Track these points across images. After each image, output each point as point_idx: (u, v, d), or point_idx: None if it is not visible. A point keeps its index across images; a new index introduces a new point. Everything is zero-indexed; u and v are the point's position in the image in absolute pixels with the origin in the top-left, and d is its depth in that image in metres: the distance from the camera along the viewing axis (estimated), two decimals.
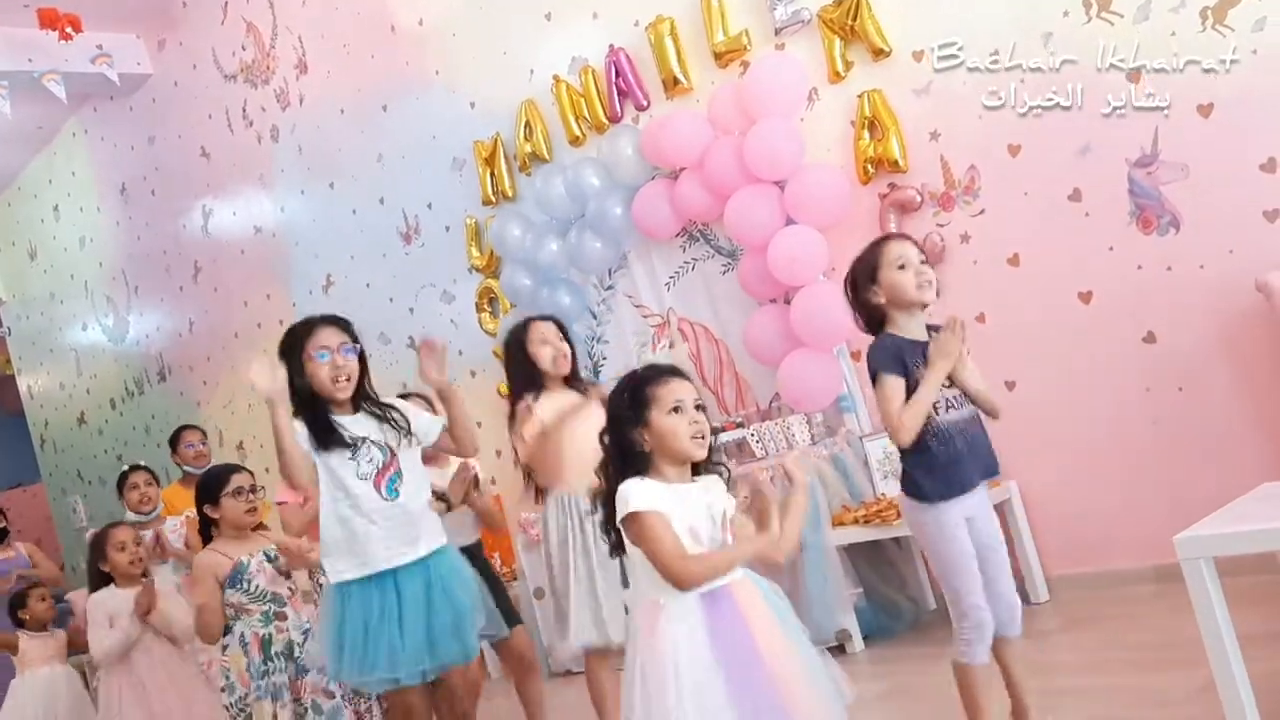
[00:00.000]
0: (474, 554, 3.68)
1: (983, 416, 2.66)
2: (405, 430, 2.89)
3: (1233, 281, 3.71)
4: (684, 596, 2.10)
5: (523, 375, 3.41)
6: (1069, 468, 4.17)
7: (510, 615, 3.84)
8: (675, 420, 2.16)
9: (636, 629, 2.19)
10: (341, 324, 2.89)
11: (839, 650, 4.19)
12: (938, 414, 2.53)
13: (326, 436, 2.79)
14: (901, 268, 2.57)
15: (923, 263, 2.59)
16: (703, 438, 2.18)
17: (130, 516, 4.82)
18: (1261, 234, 3.66)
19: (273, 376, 2.73)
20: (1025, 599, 4.15)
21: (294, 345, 2.84)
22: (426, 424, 2.98)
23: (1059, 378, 4.16)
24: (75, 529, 10.76)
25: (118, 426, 10.06)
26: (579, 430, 3.17)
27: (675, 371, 2.26)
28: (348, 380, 2.83)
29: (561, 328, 3.48)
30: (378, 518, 2.80)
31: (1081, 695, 3.11)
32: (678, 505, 2.14)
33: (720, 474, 2.27)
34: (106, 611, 4.00)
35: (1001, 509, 4.17)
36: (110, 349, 9.96)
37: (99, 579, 4.06)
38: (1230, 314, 3.75)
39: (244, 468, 3.48)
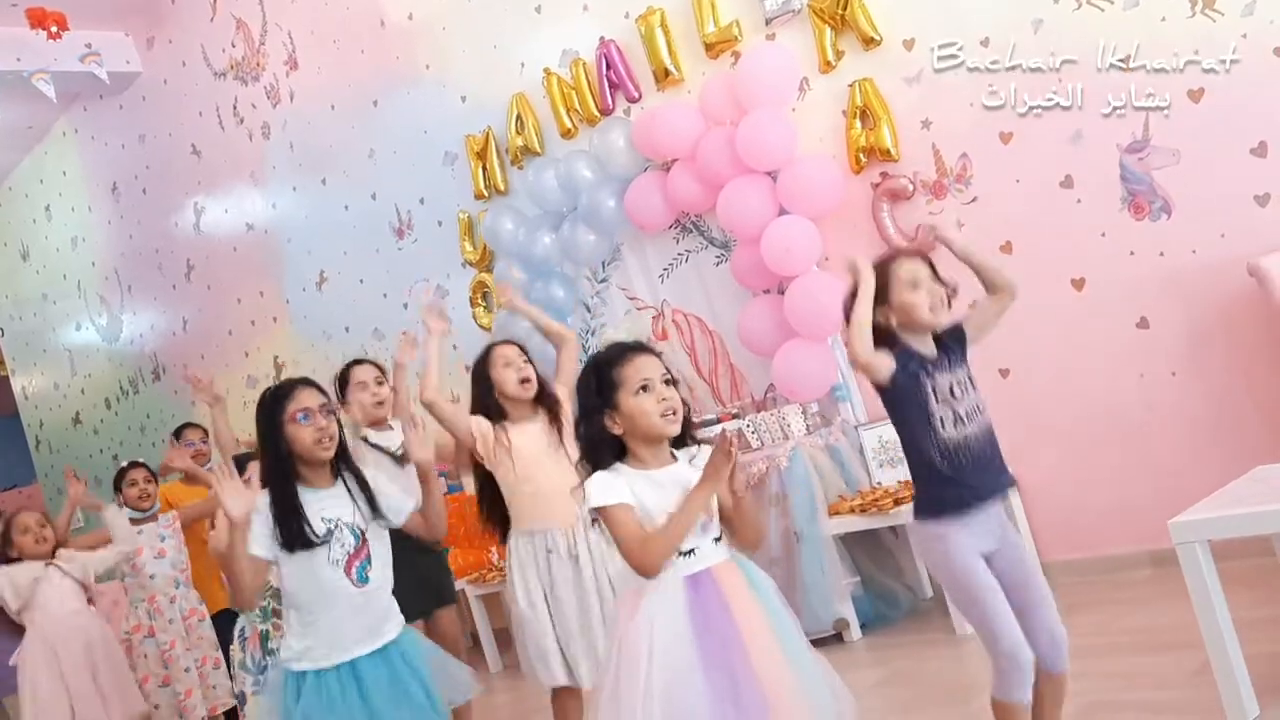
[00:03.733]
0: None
1: (993, 429, 2.45)
2: (376, 514, 2.77)
3: (1225, 266, 3.72)
4: (666, 580, 2.08)
5: (487, 402, 3.33)
6: (1063, 454, 4.18)
7: (444, 593, 3.81)
8: (643, 400, 2.11)
9: (617, 613, 2.17)
10: (317, 386, 2.82)
11: (837, 639, 4.20)
12: (943, 429, 2.34)
13: (295, 538, 2.64)
14: (915, 287, 2.36)
15: (934, 280, 2.38)
16: (674, 413, 2.13)
17: (128, 513, 4.83)
18: (1253, 218, 3.67)
19: (244, 498, 2.60)
20: None
21: (273, 410, 2.73)
22: (397, 504, 2.85)
23: (1053, 365, 4.17)
24: (72, 530, 10.73)
25: (113, 426, 10.05)
26: (548, 466, 3.15)
27: (639, 348, 2.20)
28: (331, 440, 2.73)
29: (524, 351, 3.40)
30: (347, 605, 2.68)
31: (1078, 680, 3.11)
32: (652, 491, 2.11)
33: (699, 443, 2.23)
34: (8, 580, 4.25)
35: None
36: (104, 348, 9.95)
37: (8, 561, 4.32)
38: (1223, 298, 3.76)
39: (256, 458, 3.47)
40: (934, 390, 2.36)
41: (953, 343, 2.46)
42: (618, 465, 2.14)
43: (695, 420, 2.29)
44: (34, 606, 4.30)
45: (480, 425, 3.27)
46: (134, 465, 5.05)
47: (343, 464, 2.76)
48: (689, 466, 2.17)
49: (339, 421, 2.81)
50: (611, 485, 2.11)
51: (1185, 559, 2.50)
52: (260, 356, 8.01)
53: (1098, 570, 4.12)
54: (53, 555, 4.34)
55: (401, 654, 2.75)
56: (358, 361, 3.94)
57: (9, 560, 4.31)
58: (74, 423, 10.67)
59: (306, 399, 2.73)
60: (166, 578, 4.70)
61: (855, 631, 4.22)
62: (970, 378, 2.45)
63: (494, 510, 3.33)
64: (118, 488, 4.97)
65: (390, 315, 6.80)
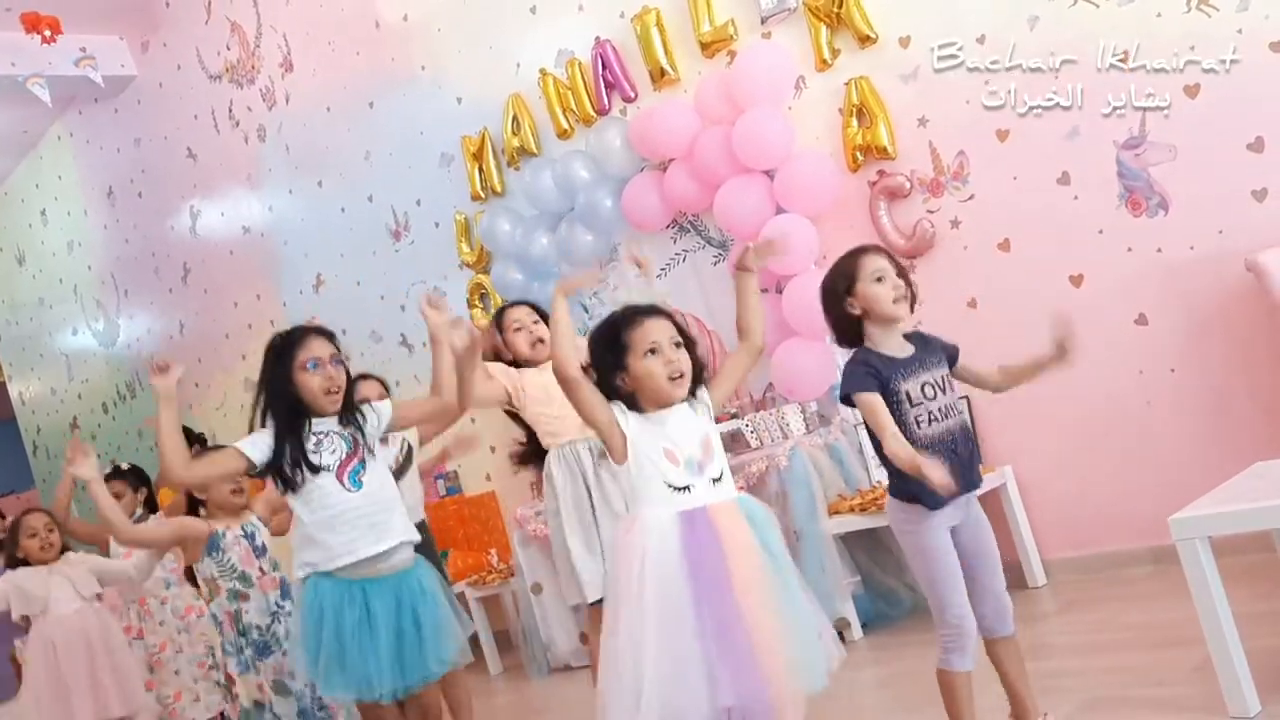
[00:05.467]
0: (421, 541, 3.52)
1: (969, 426, 2.56)
2: (361, 427, 2.85)
3: (1223, 262, 3.72)
4: (660, 514, 2.14)
5: (500, 360, 3.34)
6: (1063, 451, 4.18)
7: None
8: (651, 363, 2.18)
9: (615, 544, 2.23)
10: (329, 335, 2.86)
11: (838, 639, 4.19)
12: (919, 427, 2.44)
13: (294, 480, 2.74)
14: (879, 280, 2.47)
15: (898, 275, 2.50)
16: (681, 376, 2.20)
17: None
18: (1250, 214, 3.67)
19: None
20: (1022, 584, 4.18)
21: (283, 354, 2.79)
22: (381, 410, 2.94)
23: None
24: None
25: (110, 431, 10.03)
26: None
27: (652, 310, 2.26)
28: (338, 391, 2.79)
29: (537, 310, 3.41)
30: (342, 509, 2.75)
31: (1080, 677, 3.12)
32: (651, 428, 2.19)
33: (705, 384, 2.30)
34: (9, 587, 4.23)
35: (997, 494, 4.19)
36: (101, 353, 9.93)
37: (15, 563, 4.30)
38: (1221, 294, 3.76)
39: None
40: (907, 394, 2.45)
41: (939, 350, 2.56)
42: (625, 410, 2.23)
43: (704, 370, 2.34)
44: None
45: (506, 374, 3.25)
46: (110, 476, 4.86)
47: (344, 410, 2.84)
48: (693, 409, 2.25)
49: (348, 371, 2.85)
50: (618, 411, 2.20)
51: (1186, 555, 2.50)
52: (257, 360, 7.93)
53: (1098, 567, 4.12)
54: (59, 558, 4.33)
55: (413, 597, 2.80)
56: (362, 376, 3.76)
57: (16, 562, 4.30)
58: (71, 427, 10.65)
59: (317, 348, 2.78)
60: (156, 579, 4.63)
61: (856, 631, 4.22)
62: (946, 378, 2.53)
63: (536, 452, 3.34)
64: None
65: (388, 317, 6.79)
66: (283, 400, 2.77)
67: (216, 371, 8.45)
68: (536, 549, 5.05)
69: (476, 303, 6.16)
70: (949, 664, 2.51)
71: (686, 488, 2.17)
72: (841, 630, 4.21)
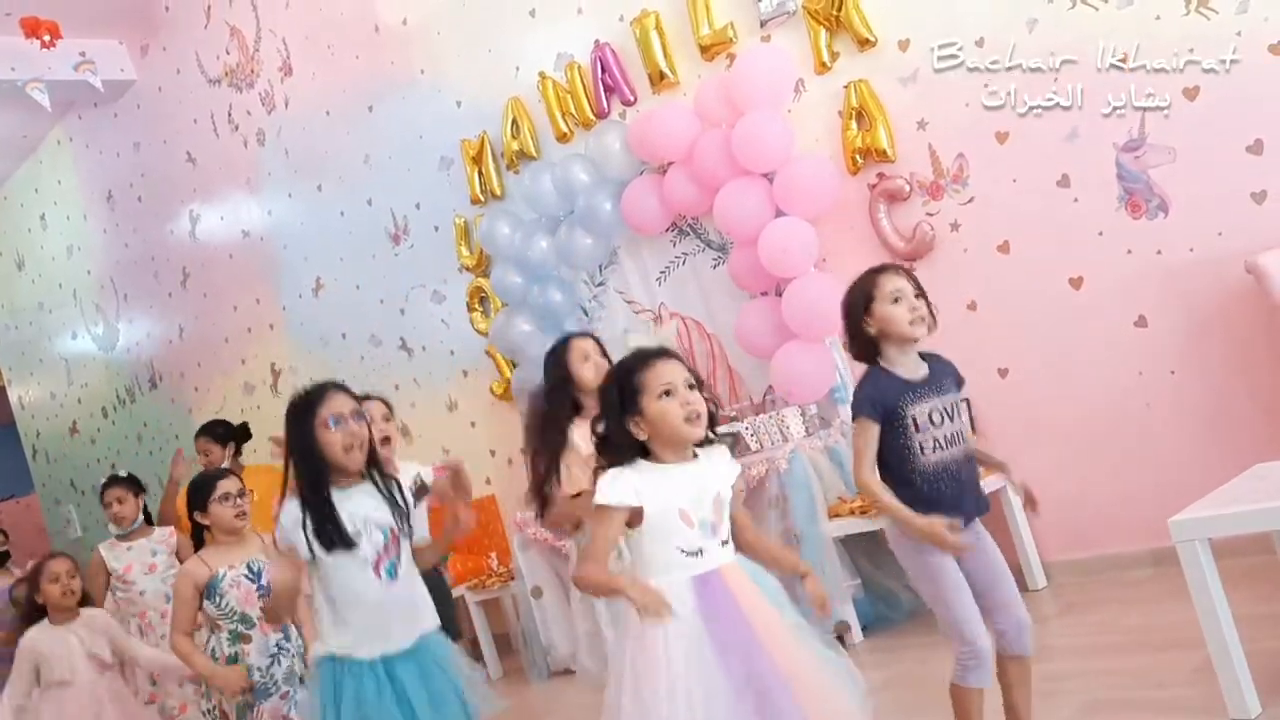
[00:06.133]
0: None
1: (974, 453, 2.60)
2: (405, 515, 2.77)
3: (1222, 264, 3.72)
4: (673, 581, 2.10)
5: (561, 395, 3.20)
6: (1063, 453, 4.18)
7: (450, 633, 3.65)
8: (666, 404, 2.14)
9: (626, 618, 2.16)
10: (349, 391, 2.83)
11: (839, 642, 4.18)
12: (924, 454, 2.45)
13: (331, 540, 2.64)
14: (896, 301, 2.47)
15: (917, 296, 2.50)
16: (698, 417, 2.15)
17: (113, 529, 4.78)
18: (1249, 216, 3.67)
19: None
20: (1023, 586, 4.18)
21: (304, 413, 2.71)
22: (419, 527, 2.90)
23: (1051, 364, 4.16)
24: (70, 539, 10.71)
25: (110, 435, 10.02)
26: None
27: (662, 353, 2.23)
28: (360, 449, 2.72)
29: (599, 343, 3.35)
30: (378, 602, 2.68)
31: (1080, 679, 3.12)
32: (664, 488, 2.14)
33: (724, 444, 2.27)
34: (34, 657, 3.98)
35: (997, 496, 4.18)
36: (101, 357, 9.93)
37: (34, 610, 4.07)
38: (1220, 296, 3.76)
39: (232, 472, 3.48)
40: (914, 420, 2.45)
41: (952, 375, 2.58)
42: (638, 462, 2.17)
43: (721, 418, 2.33)
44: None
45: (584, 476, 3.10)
46: (110, 484, 4.85)
47: (372, 466, 2.75)
48: (708, 462, 2.22)
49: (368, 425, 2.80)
50: (619, 483, 2.14)
51: (1186, 557, 2.50)
52: (257, 364, 8.00)
53: (1098, 569, 4.11)
54: (78, 607, 4.12)
55: (435, 659, 2.74)
56: (365, 397, 3.66)
57: (34, 607, 4.13)
58: (71, 432, 10.64)
59: (338, 404, 2.72)
60: (157, 593, 4.57)
61: (857, 634, 4.21)
62: (956, 404, 2.53)
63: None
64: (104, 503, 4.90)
65: (387, 321, 6.79)
66: (309, 462, 2.68)
67: (216, 375, 8.45)
68: (536, 553, 5.05)
69: (476, 306, 6.16)
70: (965, 680, 2.47)
71: (699, 551, 2.14)
72: (842, 634, 4.21)
